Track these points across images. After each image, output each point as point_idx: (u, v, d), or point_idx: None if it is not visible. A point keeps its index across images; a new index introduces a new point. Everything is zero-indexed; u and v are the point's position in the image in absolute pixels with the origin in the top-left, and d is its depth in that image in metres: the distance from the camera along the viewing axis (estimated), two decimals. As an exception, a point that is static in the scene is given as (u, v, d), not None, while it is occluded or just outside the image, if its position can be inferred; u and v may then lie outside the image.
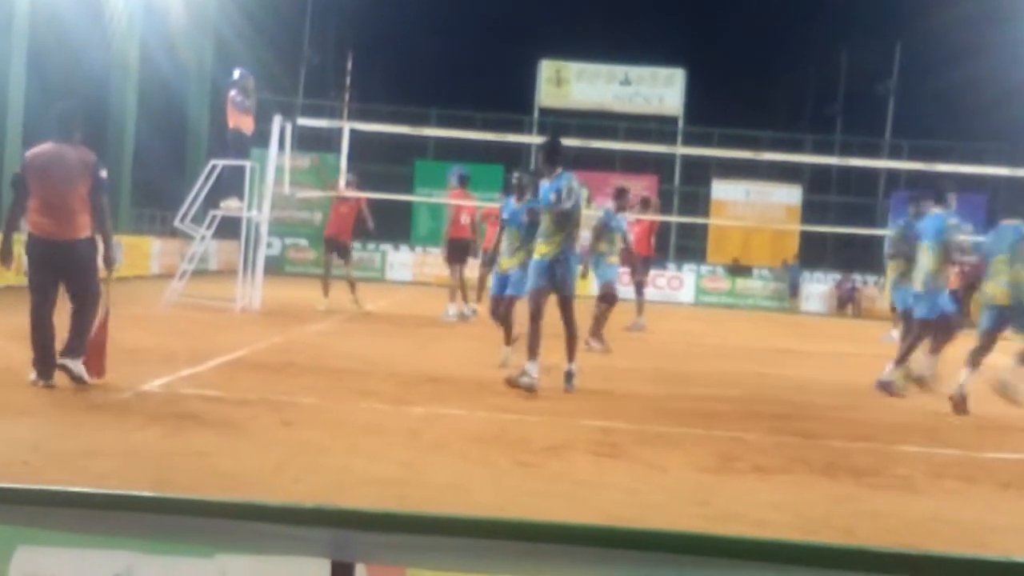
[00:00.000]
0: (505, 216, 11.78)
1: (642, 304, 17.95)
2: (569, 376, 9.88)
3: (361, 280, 25.68)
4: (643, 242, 18.46)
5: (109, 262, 8.78)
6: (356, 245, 21.81)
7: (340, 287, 17.59)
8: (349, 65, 42.77)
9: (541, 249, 9.92)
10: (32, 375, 8.15)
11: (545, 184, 10.20)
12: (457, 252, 18.15)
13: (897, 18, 35.18)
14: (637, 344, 15.74)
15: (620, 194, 15.67)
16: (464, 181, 18.57)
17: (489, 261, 12.36)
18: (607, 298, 14.38)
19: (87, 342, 8.36)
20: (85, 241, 8.31)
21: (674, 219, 32.51)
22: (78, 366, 8.21)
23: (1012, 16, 30.59)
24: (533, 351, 9.47)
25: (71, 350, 8.24)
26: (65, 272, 8.32)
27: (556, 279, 9.82)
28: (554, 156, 10.34)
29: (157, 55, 27.89)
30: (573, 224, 10.00)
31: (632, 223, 17.35)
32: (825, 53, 39.30)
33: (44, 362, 8.13)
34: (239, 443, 6.58)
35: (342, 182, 18.23)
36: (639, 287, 18.10)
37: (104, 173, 8.46)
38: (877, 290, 32.14)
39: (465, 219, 18.52)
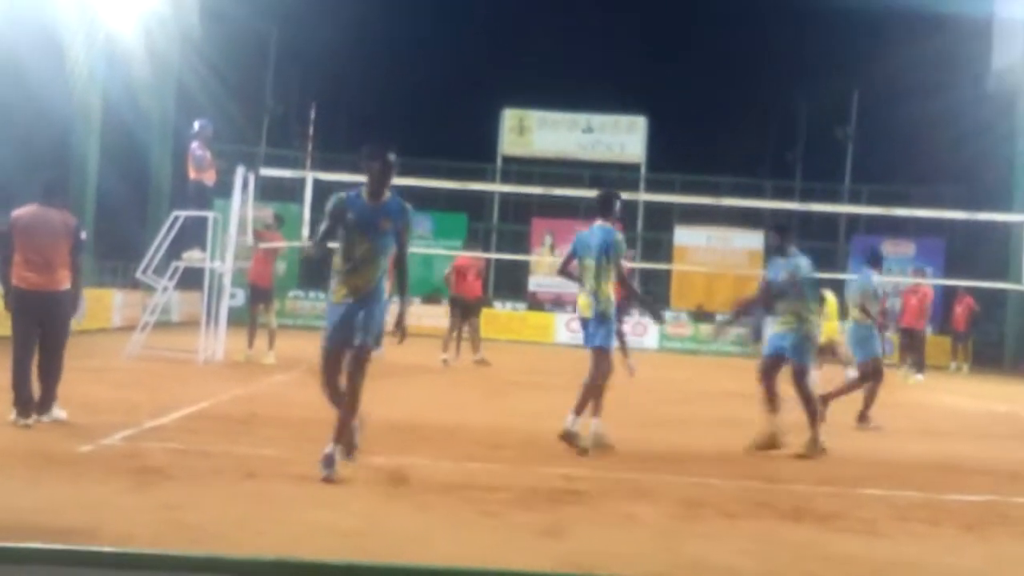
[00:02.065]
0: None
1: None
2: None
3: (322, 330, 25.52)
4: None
5: (74, 309, 9.59)
6: (320, 295, 21.71)
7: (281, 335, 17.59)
8: (312, 114, 42.88)
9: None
10: (12, 415, 8.90)
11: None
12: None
13: (854, 64, 35.65)
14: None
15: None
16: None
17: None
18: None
19: (56, 389, 9.26)
20: (65, 292, 9.26)
21: (638, 265, 32.63)
22: (54, 414, 9.16)
23: (968, 60, 31.07)
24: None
25: (45, 405, 9.15)
26: (46, 321, 9.24)
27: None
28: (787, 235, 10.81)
29: (120, 105, 27.83)
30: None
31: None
32: (784, 100, 39.81)
33: (23, 403, 8.93)
34: (203, 496, 6.52)
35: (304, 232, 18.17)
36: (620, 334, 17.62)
37: (84, 235, 9.63)
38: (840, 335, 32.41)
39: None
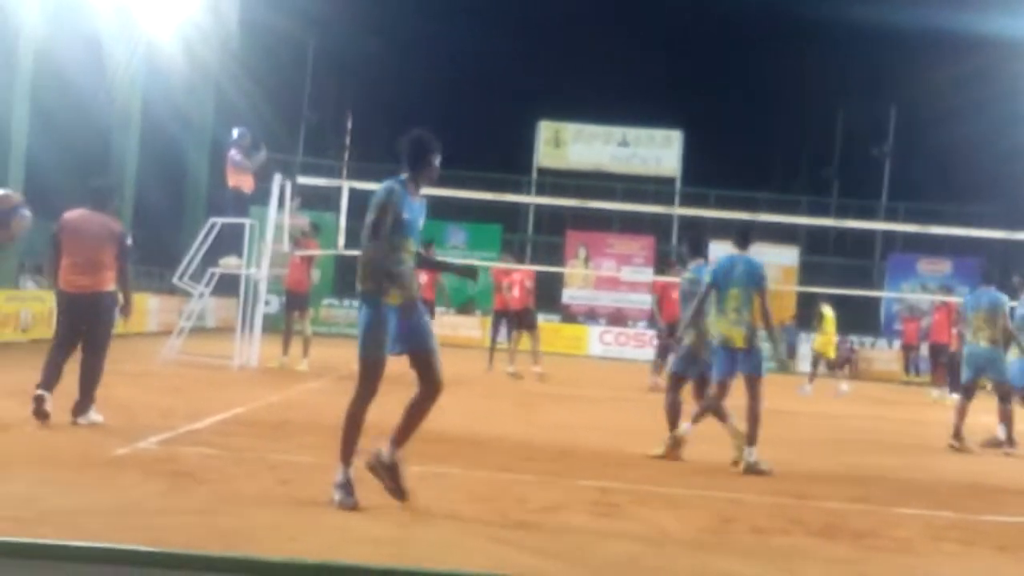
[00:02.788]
0: None
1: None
2: None
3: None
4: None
5: (126, 312, 9.75)
6: (355, 303, 21.73)
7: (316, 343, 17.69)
8: (349, 124, 43.07)
9: None
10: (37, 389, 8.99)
11: None
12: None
13: (892, 81, 35.52)
14: (634, 404, 15.73)
15: None
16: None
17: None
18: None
19: (91, 397, 9.28)
20: (108, 294, 9.42)
21: (674, 279, 32.56)
22: (90, 417, 9.20)
23: (1007, 78, 30.86)
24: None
25: (82, 408, 9.19)
26: (88, 323, 9.40)
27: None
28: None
29: (159, 112, 28.10)
30: None
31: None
32: (821, 116, 39.70)
33: (46, 382, 9.02)
34: (236, 501, 6.55)
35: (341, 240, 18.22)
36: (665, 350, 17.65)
37: (129, 240, 9.82)
38: (873, 351, 32.21)
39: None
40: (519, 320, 19.56)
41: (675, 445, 10.01)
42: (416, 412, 6.95)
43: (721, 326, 9.92)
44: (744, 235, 10.32)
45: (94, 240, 9.31)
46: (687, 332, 10.53)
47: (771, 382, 10.93)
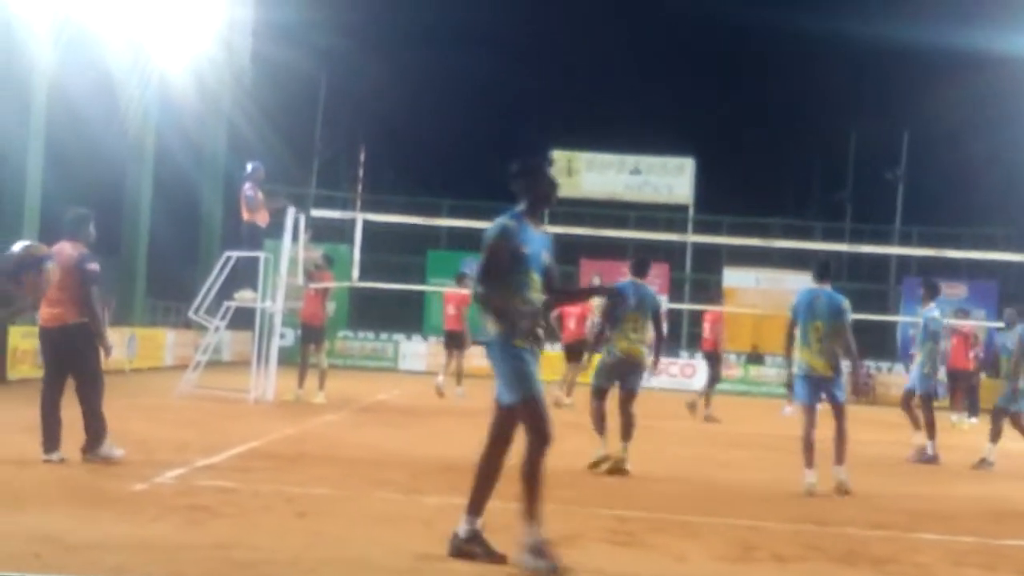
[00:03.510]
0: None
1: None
2: None
3: (374, 370, 25.72)
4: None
5: (103, 345, 9.35)
6: (370, 335, 21.86)
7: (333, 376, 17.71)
8: (362, 156, 43.21)
9: None
10: (43, 455, 8.87)
11: None
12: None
13: (904, 105, 35.52)
14: (650, 432, 15.67)
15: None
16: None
17: None
18: None
19: (100, 430, 9.08)
20: (75, 325, 9.09)
21: (686, 307, 32.57)
22: (105, 451, 9.05)
23: (1019, 98, 30.82)
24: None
25: (91, 445, 9.04)
26: (64, 354, 9.17)
27: None
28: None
29: (172, 146, 28.21)
30: None
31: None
32: (833, 141, 39.68)
33: (49, 439, 8.90)
34: (254, 535, 6.55)
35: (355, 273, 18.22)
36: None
37: (93, 266, 9.22)
38: (891, 376, 32.04)
39: (451, 310, 19.84)
40: (568, 351, 20.22)
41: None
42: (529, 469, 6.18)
43: (805, 355, 10.48)
44: (824, 268, 10.86)
45: (62, 271, 8.85)
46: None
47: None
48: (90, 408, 9.09)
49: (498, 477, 6.32)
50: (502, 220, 6.41)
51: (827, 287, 10.70)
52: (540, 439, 6.07)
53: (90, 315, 9.16)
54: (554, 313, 20.00)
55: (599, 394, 11.23)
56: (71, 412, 9.15)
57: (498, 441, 6.31)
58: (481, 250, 6.40)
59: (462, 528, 6.24)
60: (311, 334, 17.65)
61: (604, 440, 10.88)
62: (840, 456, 10.27)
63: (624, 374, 11.12)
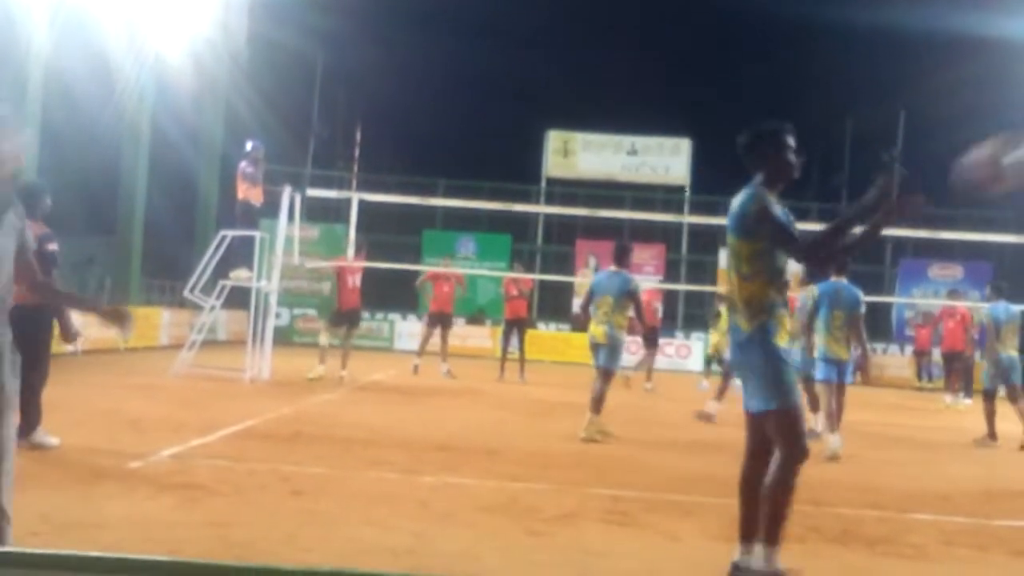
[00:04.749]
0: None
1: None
2: None
3: (370, 349, 25.78)
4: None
5: (64, 332, 8.79)
6: (365, 315, 21.90)
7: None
8: (358, 136, 43.17)
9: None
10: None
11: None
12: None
13: (900, 86, 35.46)
14: (645, 412, 15.72)
15: None
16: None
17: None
18: None
19: (33, 416, 8.64)
20: (29, 307, 8.11)
21: (682, 287, 32.62)
22: (38, 438, 8.62)
23: (1016, 81, 30.81)
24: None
25: (23, 430, 8.44)
26: (17, 336, 8.54)
27: None
28: None
29: (168, 127, 28.15)
30: None
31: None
32: (830, 122, 39.62)
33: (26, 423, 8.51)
34: (250, 513, 6.57)
35: (350, 252, 18.25)
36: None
37: (53, 246, 8.72)
38: (885, 356, 32.12)
39: (446, 289, 20.25)
40: (646, 336, 20.65)
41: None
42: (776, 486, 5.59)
43: (826, 341, 11.87)
44: (844, 262, 11.72)
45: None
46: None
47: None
48: (29, 394, 8.21)
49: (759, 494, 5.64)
50: (756, 191, 5.73)
51: (844, 279, 11.87)
52: (795, 454, 5.49)
53: (51, 298, 8.28)
54: (511, 291, 21.07)
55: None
56: (55, 391, 9.15)
57: (759, 454, 5.68)
58: (762, 223, 5.58)
59: (741, 558, 5.65)
60: (353, 317, 17.92)
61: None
62: (834, 425, 11.53)
63: (595, 354, 12.07)
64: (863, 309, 11.99)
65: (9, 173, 5.41)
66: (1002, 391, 13.96)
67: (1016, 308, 14.23)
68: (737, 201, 5.72)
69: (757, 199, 5.60)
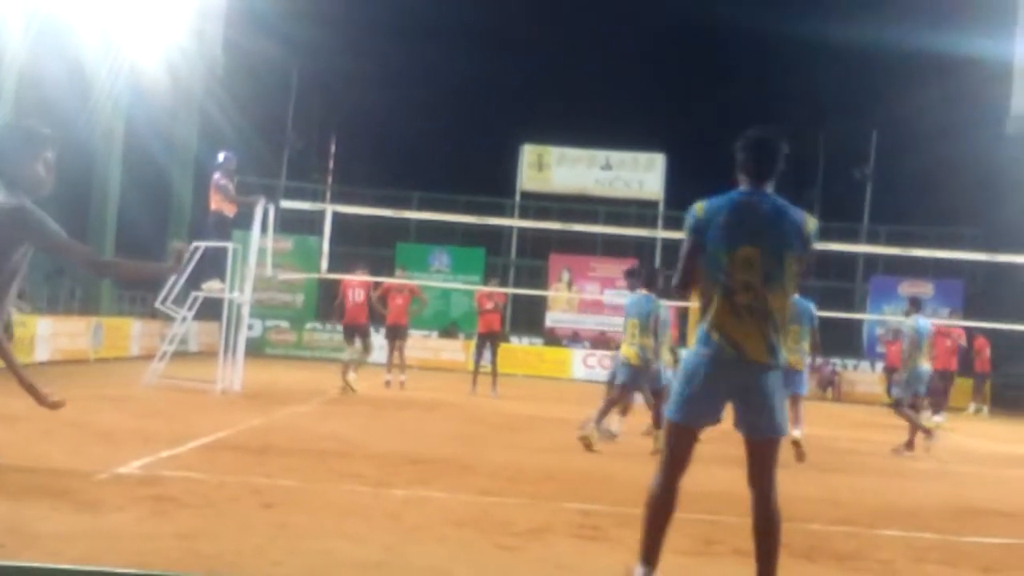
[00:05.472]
0: None
1: None
2: None
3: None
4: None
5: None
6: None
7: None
8: (332, 148, 43.12)
9: None
10: None
11: None
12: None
13: (873, 105, 35.73)
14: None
15: None
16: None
17: None
18: None
19: None
20: None
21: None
22: None
23: (987, 103, 31.09)
24: None
25: None
26: None
27: None
28: None
29: (143, 135, 28.07)
30: None
31: None
32: (802, 139, 39.84)
33: None
34: (219, 525, 6.53)
35: (324, 264, 18.30)
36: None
37: None
38: (857, 373, 32.28)
39: (400, 302, 20.63)
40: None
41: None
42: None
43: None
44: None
45: None
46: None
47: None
48: None
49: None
50: (792, 205, 5.65)
51: (796, 295, 11.92)
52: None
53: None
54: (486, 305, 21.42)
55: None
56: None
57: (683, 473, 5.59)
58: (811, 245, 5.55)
59: None
60: (362, 331, 19.07)
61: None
62: (796, 420, 12.11)
63: (622, 373, 12.75)
64: (816, 322, 13.30)
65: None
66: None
67: (931, 323, 15.46)
68: (796, 215, 5.59)
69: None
